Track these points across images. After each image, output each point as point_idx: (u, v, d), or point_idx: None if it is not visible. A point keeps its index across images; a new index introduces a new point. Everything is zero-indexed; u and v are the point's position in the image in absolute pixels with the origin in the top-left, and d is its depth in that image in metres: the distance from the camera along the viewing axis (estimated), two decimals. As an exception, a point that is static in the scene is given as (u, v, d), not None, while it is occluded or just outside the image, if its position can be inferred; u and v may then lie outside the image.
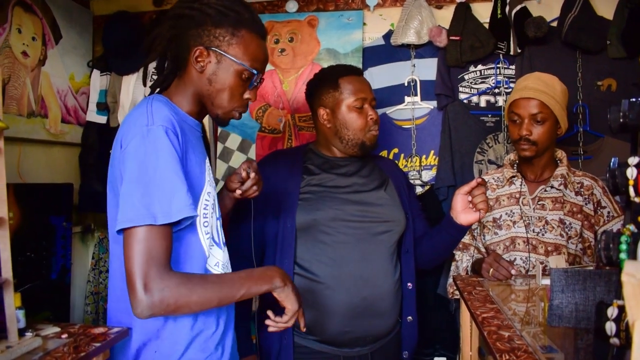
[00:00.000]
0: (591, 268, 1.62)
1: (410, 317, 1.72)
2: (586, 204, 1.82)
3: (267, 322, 1.23)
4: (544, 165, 1.89)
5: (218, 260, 1.26)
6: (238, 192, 1.36)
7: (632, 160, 0.99)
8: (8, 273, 1.18)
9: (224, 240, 1.34)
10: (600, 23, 2.23)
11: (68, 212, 2.26)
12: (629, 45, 2.17)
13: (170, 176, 1.07)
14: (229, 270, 1.33)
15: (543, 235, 1.82)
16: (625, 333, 0.93)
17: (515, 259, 1.83)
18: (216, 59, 1.21)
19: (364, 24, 2.48)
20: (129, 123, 1.14)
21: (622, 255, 0.95)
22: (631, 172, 0.98)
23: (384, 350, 1.66)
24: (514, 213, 1.88)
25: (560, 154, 1.92)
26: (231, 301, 1.14)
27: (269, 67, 2.52)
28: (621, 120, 1.02)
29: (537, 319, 1.36)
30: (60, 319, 2.18)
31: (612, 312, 0.96)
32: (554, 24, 2.28)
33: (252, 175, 1.38)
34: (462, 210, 1.60)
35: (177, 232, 1.13)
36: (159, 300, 1.02)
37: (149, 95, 1.27)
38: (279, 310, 1.25)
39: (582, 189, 1.84)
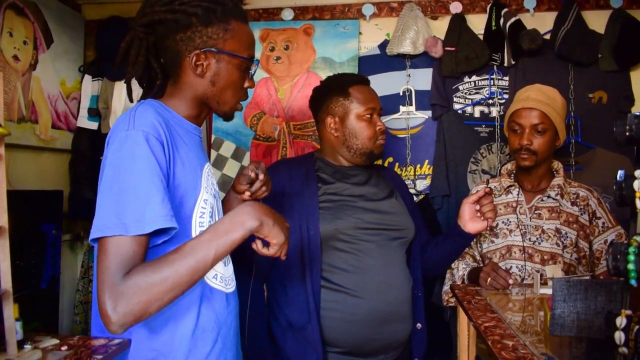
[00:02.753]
0: (587, 277, 1.65)
1: (419, 324, 1.73)
2: (582, 214, 1.84)
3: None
4: (541, 175, 1.91)
5: (217, 272, 1.20)
6: (247, 193, 1.31)
7: (639, 173, 1.01)
8: (8, 284, 1.15)
9: None
10: (592, 37, 2.28)
11: (58, 220, 2.22)
12: (620, 59, 2.22)
13: (146, 184, 1.00)
14: (232, 284, 1.27)
15: (539, 244, 1.84)
16: (634, 342, 0.95)
17: (511, 267, 1.85)
18: (215, 59, 1.16)
19: (360, 33, 2.50)
20: (113, 129, 1.10)
21: (630, 266, 0.97)
22: (638, 185, 1.00)
23: (402, 358, 1.66)
24: (510, 222, 1.90)
25: (557, 164, 1.94)
26: (205, 268, 1.01)
27: (264, 74, 2.52)
28: (627, 133, 1.04)
29: (533, 328, 1.37)
30: (49, 329, 2.14)
31: (620, 321, 0.97)
32: (547, 36, 2.33)
33: (261, 176, 1.33)
34: (469, 219, 1.62)
35: (165, 243, 1.06)
36: (126, 310, 0.95)
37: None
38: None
39: (577, 200, 1.86)
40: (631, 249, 0.97)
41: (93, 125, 2.50)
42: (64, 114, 2.43)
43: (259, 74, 2.52)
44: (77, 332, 2.45)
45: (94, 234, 0.99)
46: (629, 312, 0.98)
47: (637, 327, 0.94)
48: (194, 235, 1.12)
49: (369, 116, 1.68)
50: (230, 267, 1.29)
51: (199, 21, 1.14)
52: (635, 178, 1.01)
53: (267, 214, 1.09)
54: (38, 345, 1.24)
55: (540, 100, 1.82)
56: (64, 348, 1.24)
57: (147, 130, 1.04)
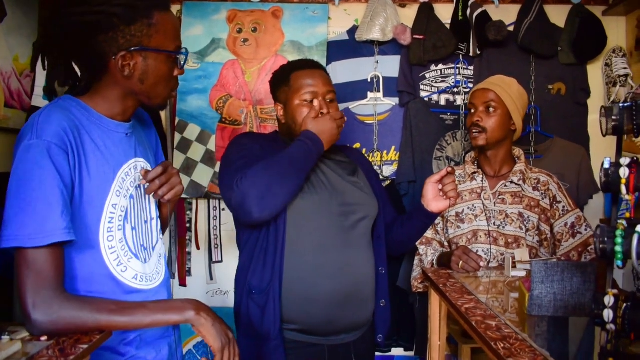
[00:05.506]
0: (554, 260, 1.74)
1: (383, 301, 1.73)
2: (543, 198, 1.94)
3: None
4: (502, 161, 2.00)
5: (137, 272, 1.22)
6: (145, 187, 1.25)
7: (624, 161, 1.07)
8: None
9: (151, 246, 1.29)
10: (553, 30, 2.39)
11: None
12: (578, 53, 2.34)
13: (46, 197, 1.03)
14: (156, 277, 1.29)
15: (503, 228, 1.92)
16: (621, 319, 1.01)
17: (477, 250, 1.92)
18: (142, 57, 1.15)
19: (329, 18, 2.49)
20: (20, 135, 1.09)
21: (618, 248, 1.03)
22: (624, 172, 1.06)
23: (365, 337, 1.67)
24: (475, 207, 1.97)
25: (518, 152, 2.04)
26: (129, 328, 1.14)
27: (231, 56, 2.46)
28: (613, 123, 1.11)
29: (497, 309, 1.42)
30: (3, 318, 2.02)
31: (608, 300, 1.04)
32: (511, 28, 2.40)
33: (152, 175, 1.22)
34: (433, 199, 1.65)
35: (71, 247, 1.10)
36: (49, 323, 1.06)
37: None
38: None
39: (539, 185, 1.96)
40: (618, 232, 1.03)
41: (47, 105, 2.36)
42: (17, 92, 2.28)
43: (225, 56, 2.47)
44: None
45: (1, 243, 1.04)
46: (615, 291, 1.04)
47: (624, 305, 1.01)
48: (101, 240, 1.15)
49: (308, 100, 1.63)
50: (152, 263, 1.29)
51: (121, 21, 1.11)
52: (621, 165, 1.07)
53: (209, 314, 1.16)
54: (15, 336, 1.18)
55: (495, 83, 1.94)
56: (43, 338, 1.17)
57: (49, 140, 1.05)
